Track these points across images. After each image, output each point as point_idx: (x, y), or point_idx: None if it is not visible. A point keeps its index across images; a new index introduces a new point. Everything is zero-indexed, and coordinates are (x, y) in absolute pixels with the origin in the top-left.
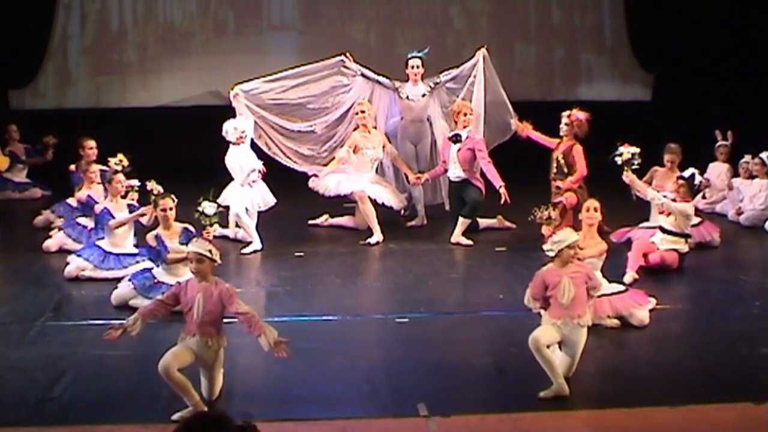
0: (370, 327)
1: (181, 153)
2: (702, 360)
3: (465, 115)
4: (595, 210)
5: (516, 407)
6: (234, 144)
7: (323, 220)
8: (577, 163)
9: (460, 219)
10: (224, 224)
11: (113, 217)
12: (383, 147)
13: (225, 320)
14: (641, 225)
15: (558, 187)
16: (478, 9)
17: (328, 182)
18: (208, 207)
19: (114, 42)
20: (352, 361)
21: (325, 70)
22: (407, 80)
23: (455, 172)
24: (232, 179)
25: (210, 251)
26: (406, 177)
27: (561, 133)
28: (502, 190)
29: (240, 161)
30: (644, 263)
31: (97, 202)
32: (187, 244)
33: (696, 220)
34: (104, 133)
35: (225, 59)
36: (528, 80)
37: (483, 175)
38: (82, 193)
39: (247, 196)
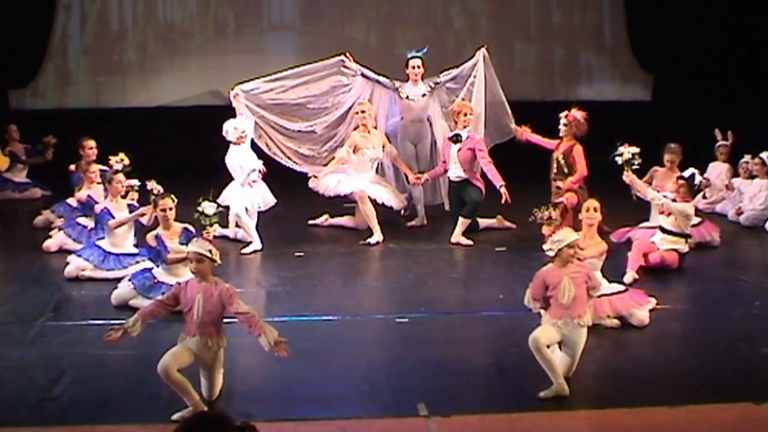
0: (370, 327)
1: (181, 153)
2: (702, 360)
3: (465, 115)
4: (595, 210)
5: (516, 407)
6: (234, 144)
7: (323, 220)
8: (577, 163)
9: (460, 219)
10: (224, 224)
11: (113, 217)
12: (383, 147)
13: (225, 320)
14: (641, 225)
15: (558, 188)
16: (478, 9)
17: (327, 182)
18: (208, 207)
19: (114, 42)
20: (352, 361)
21: (325, 70)
22: (407, 80)
23: (455, 172)
24: (232, 179)
25: (210, 251)
26: (406, 177)
27: (560, 134)
28: (503, 190)
29: (240, 161)
30: (644, 263)
31: (97, 202)
32: (187, 244)
33: (696, 220)
34: (104, 133)
35: (225, 59)
36: (528, 80)
37: (483, 175)
38: (82, 193)
39: (247, 196)
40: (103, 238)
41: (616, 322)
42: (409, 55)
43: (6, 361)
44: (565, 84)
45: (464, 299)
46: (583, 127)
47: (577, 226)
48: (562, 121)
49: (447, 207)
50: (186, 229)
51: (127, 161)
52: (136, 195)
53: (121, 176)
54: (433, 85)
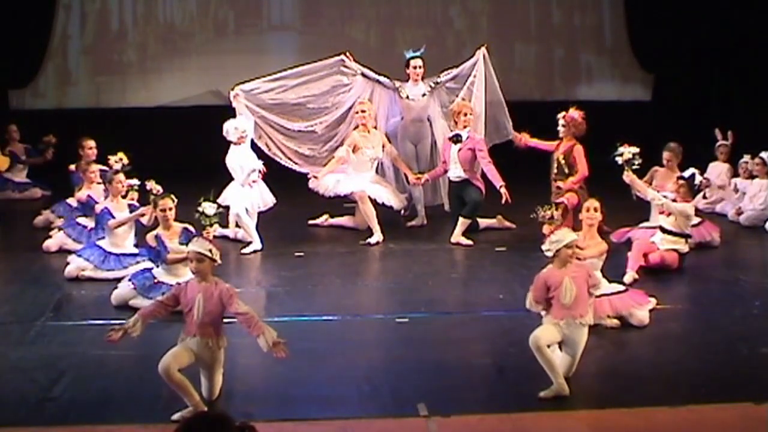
0: (370, 327)
1: (181, 153)
2: (702, 360)
3: (465, 115)
4: (596, 210)
5: (516, 407)
6: (235, 144)
7: (323, 220)
8: (578, 163)
9: (460, 219)
10: (224, 224)
11: (113, 217)
12: (383, 147)
13: (225, 320)
14: (641, 225)
15: (559, 188)
16: (478, 9)
17: (327, 182)
18: (208, 207)
19: (114, 42)
20: (352, 361)
21: (325, 69)
22: (407, 80)
23: (456, 172)
24: (232, 179)
25: (210, 251)
26: (406, 177)
27: (560, 135)
28: (503, 190)
29: (240, 161)
30: (644, 263)
31: (97, 202)
32: (187, 244)
33: (696, 220)
34: (104, 133)
35: (225, 59)
36: (528, 80)
37: (483, 175)
38: (82, 193)
39: (247, 196)
40: (103, 238)
41: (616, 322)
42: (409, 55)
43: (6, 361)
44: (565, 84)
45: (464, 299)
46: (582, 127)
47: (577, 226)
48: (561, 121)
49: (447, 207)
50: (186, 229)
51: (126, 161)
52: (136, 195)
53: (121, 176)
54: (433, 85)
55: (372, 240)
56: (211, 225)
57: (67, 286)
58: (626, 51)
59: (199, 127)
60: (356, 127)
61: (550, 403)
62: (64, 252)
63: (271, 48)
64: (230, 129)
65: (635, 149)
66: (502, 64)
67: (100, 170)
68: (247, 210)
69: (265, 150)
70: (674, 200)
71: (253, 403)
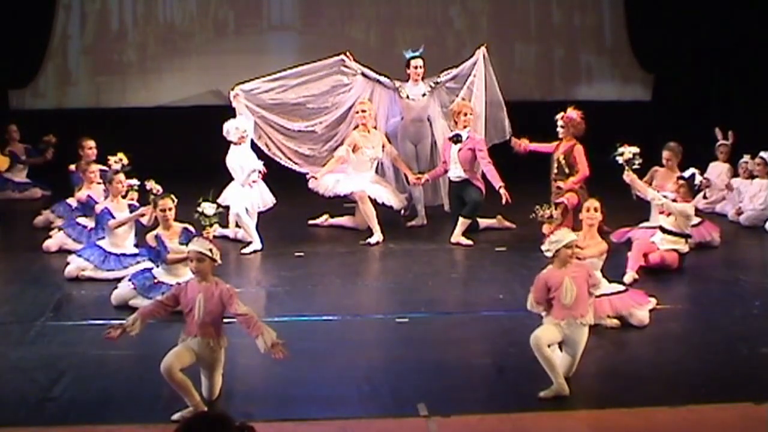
0: (370, 327)
1: (181, 153)
2: (702, 360)
3: (465, 115)
4: (596, 210)
5: (516, 407)
6: (235, 144)
7: (323, 220)
8: (578, 163)
9: (460, 219)
10: (224, 224)
11: (114, 217)
12: (383, 147)
13: (225, 320)
14: (641, 225)
15: (559, 188)
16: (478, 9)
17: (327, 182)
18: (207, 207)
19: (114, 42)
20: (352, 361)
21: (325, 69)
22: (407, 80)
23: (456, 173)
24: (232, 179)
25: (210, 250)
26: (406, 177)
27: (559, 136)
28: (502, 191)
29: (240, 161)
30: (644, 263)
31: (97, 202)
32: (187, 244)
33: (696, 220)
34: (104, 133)
35: (225, 59)
36: (528, 80)
37: (483, 175)
38: (82, 193)
39: (247, 196)
40: (103, 238)
41: (616, 322)
42: (409, 56)
43: (6, 361)
44: (565, 84)
45: (464, 299)
46: (581, 126)
47: (577, 226)
48: (559, 123)
49: (447, 207)
50: (186, 229)
51: (125, 161)
52: (136, 195)
53: (121, 176)
54: (433, 85)
55: (372, 240)
56: (210, 225)
57: (67, 286)
58: (626, 51)
59: (199, 127)
60: (356, 127)
61: (550, 403)
62: (64, 252)
63: (271, 48)
64: (231, 129)
65: (635, 149)
66: (502, 64)
67: (100, 170)
68: (247, 210)
69: (265, 150)
70: (674, 200)
71: (253, 403)
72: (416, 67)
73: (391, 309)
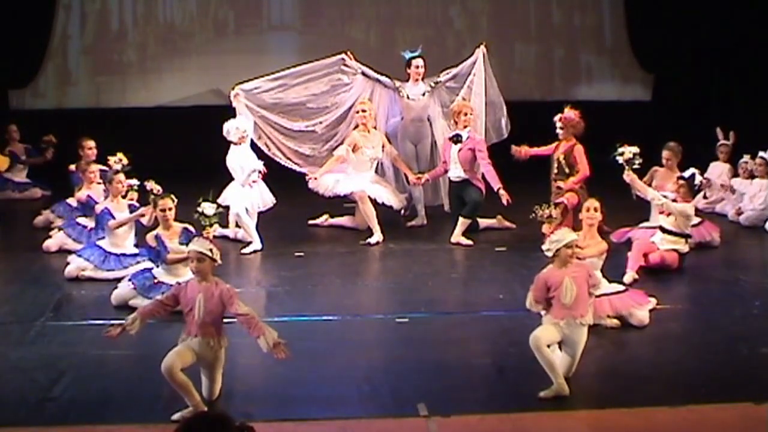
0: (370, 327)
1: (181, 153)
2: (702, 360)
3: (465, 114)
4: (596, 210)
5: (516, 407)
6: (235, 144)
7: (323, 220)
8: (579, 163)
9: (460, 219)
10: (224, 224)
11: (114, 217)
12: (383, 147)
13: (225, 320)
14: (641, 225)
15: (559, 188)
16: (478, 9)
17: (327, 182)
18: (207, 207)
19: (114, 42)
20: (352, 361)
21: (326, 69)
22: (407, 80)
23: (456, 173)
24: (232, 179)
25: (211, 250)
26: (406, 177)
27: (559, 137)
28: (501, 192)
29: (241, 161)
30: (644, 263)
31: (97, 202)
32: (187, 244)
33: (696, 220)
34: (104, 133)
35: (225, 59)
36: (528, 80)
37: (484, 175)
38: (82, 193)
39: (247, 196)
40: (103, 238)
41: (616, 322)
42: (409, 56)
43: (6, 361)
44: (565, 84)
45: (464, 299)
46: (580, 125)
47: (577, 226)
48: (558, 124)
49: (447, 207)
50: (186, 229)
51: (125, 161)
52: (136, 195)
53: (121, 176)
54: (433, 85)
55: (372, 240)
56: (210, 225)
57: (67, 286)
58: (626, 51)
59: (199, 127)
60: (356, 127)
61: (550, 403)
62: (64, 252)
63: (271, 48)
64: (231, 129)
65: (635, 149)
66: (502, 64)
67: (100, 170)
68: (247, 210)
69: (265, 150)
70: (674, 200)
71: (253, 403)
72: (417, 67)
73: (391, 309)
